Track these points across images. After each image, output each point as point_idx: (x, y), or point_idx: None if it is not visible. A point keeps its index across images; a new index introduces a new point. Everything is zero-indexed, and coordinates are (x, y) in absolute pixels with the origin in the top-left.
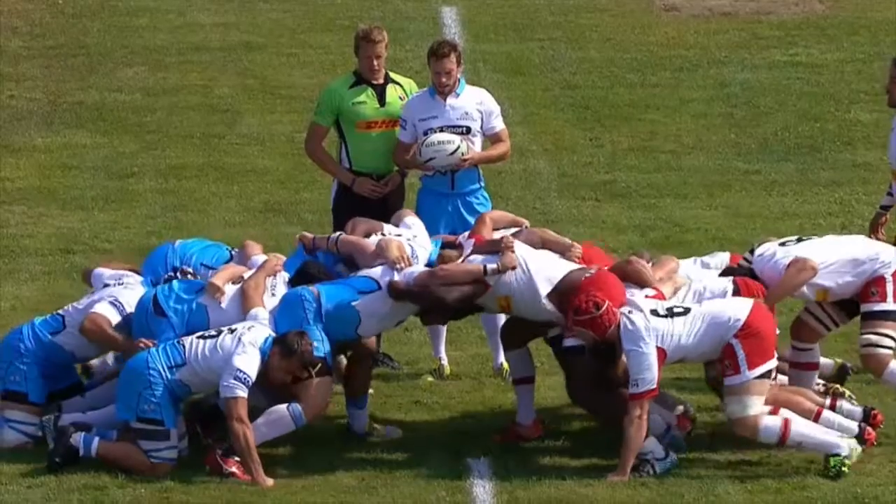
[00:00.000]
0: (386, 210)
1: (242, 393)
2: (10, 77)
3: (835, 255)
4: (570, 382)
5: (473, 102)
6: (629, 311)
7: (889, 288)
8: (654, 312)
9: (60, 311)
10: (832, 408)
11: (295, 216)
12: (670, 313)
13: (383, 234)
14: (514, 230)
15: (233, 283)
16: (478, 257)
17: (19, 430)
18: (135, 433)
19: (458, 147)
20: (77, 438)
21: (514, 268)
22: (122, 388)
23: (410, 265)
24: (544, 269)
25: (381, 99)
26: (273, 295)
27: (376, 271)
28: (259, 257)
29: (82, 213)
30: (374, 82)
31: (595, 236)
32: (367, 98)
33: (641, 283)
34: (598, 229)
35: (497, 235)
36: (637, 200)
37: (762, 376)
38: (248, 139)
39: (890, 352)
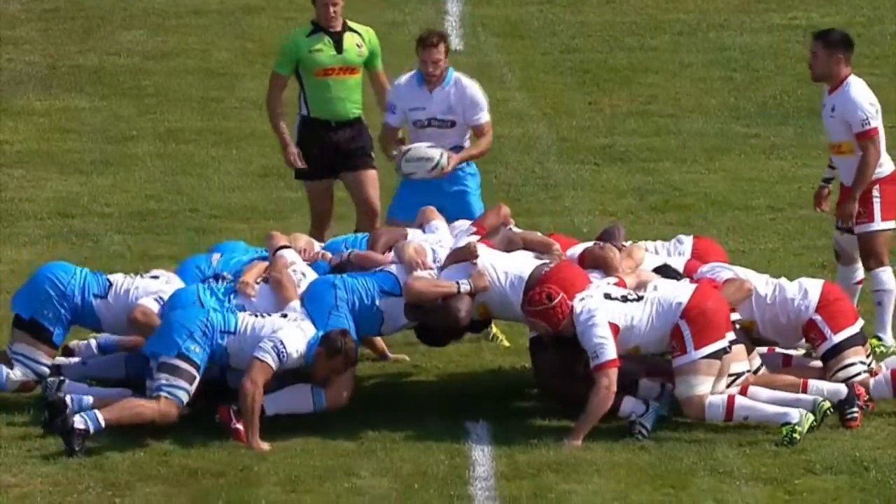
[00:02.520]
0: (344, 156)
1: (271, 361)
2: (9, 40)
3: (768, 290)
4: (536, 375)
5: (460, 96)
6: (581, 299)
7: (822, 327)
8: (608, 296)
9: (110, 277)
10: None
11: (293, 180)
12: (624, 299)
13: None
14: (508, 227)
15: (263, 279)
16: (450, 273)
17: (29, 366)
18: (161, 367)
19: (438, 163)
20: (80, 421)
21: (485, 289)
22: (172, 325)
23: (426, 268)
24: (511, 272)
25: (339, 46)
26: (298, 286)
27: (401, 272)
28: (286, 252)
29: (81, 177)
30: (332, 30)
31: (594, 200)
32: (325, 46)
33: (608, 271)
34: (598, 193)
35: (497, 234)
36: (636, 164)
37: (711, 356)
38: (246, 103)
39: (864, 375)
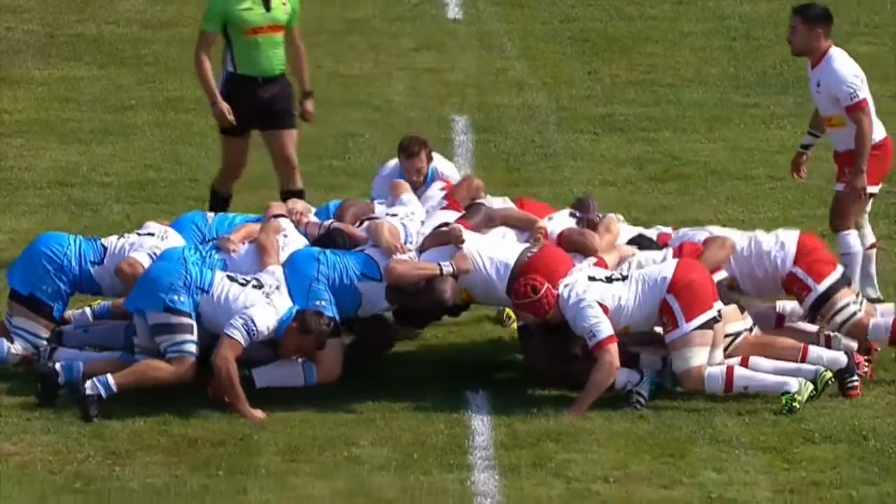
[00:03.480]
0: (271, 114)
1: (240, 338)
2: (7, 8)
3: (744, 244)
4: (527, 361)
5: (439, 189)
6: (566, 285)
7: (804, 279)
8: (592, 279)
9: (104, 241)
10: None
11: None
12: (608, 280)
13: (373, 217)
14: (483, 200)
15: (249, 241)
16: (431, 255)
17: (29, 340)
18: (155, 329)
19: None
20: (91, 386)
21: (467, 271)
22: (152, 279)
23: (405, 252)
24: (497, 259)
25: (267, 4)
26: (283, 249)
27: (381, 256)
28: (281, 220)
29: (80, 146)
30: None
31: (593, 170)
32: (253, 4)
33: (588, 253)
34: (597, 163)
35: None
36: (636, 134)
37: (702, 327)
38: None
39: (860, 314)
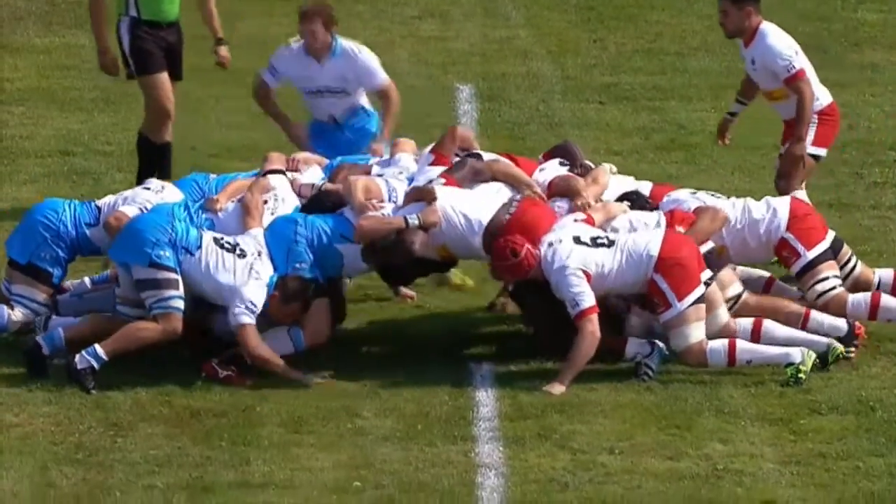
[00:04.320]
0: (172, 60)
1: (250, 320)
2: None
3: (737, 213)
4: (524, 322)
5: (350, 66)
6: (549, 244)
7: (795, 244)
8: (577, 240)
9: (99, 203)
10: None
11: (297, 118)
12: (594, 242)
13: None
14: (474, 152)
15: (238, 200)
16: (404, 210)
17: (29, 307)
18: (141, 285)
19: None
20: (82, 360)
21: (434, 224)
22: (137, 232)
23: (376, 209)
24: (472, 216)
25: None
26: (272, 214)
27: (354, 216)
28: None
29: (82, 115)
30: None
31: (598, 139)
32: None
33: (572, 196)
34: (602, 132)
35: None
36: (642, 103)
37: (696, 302)
38: (248, 40)
39: (839, 289)
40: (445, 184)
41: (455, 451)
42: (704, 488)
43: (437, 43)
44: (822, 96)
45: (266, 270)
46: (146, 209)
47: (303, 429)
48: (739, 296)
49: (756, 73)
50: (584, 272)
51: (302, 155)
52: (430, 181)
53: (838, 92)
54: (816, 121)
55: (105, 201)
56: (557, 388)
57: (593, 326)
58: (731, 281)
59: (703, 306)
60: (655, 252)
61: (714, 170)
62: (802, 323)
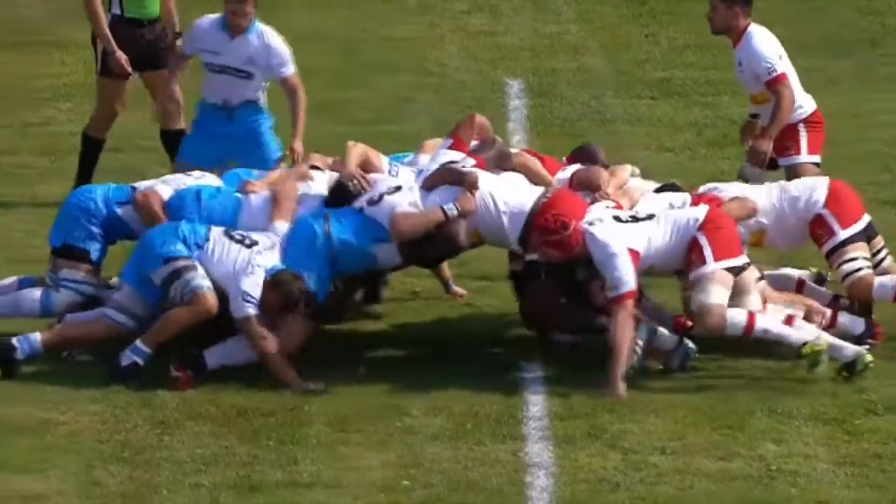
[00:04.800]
0: (154, 55)
1: (253, 311)
2: None
3: (773, 197)
4: (525, 307)
5: (263, 48)
6: (590, 224)
7: (831, 222)
8: (617, 219)
9: (134, 184)
10: (833, 321)
11: (345, 115)
12: (634, 219)
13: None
14: (493, 142)
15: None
16: (435, 197)
17: (74, 288)
18: (165, 283)
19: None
20: (126, 357)
21: (472, 211)
22: (145, 244)
23: (362, 182)
24: (512, 203)
25: None
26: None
27: (383, 215)
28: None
29: (130, 111)
30: None
31: (650, 135)
32: None
33: (593, 187)
34: (654, 128)
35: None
36: (694, 98)
37: (728, 270)
38: (298, 36)
39: (868, 271)
40: (475, 165)
41: (504, 450)
42: (757, 489)
43: (486, 38)
44: (805, 104)
45: (266, 262)
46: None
47: (350, 427)
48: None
49: (742, 76)
50: (633, 252)
51: (371, 154)
52: (454, 162)
53: (894, 87)
54: (805, 129)
55: (141, 183)
56: (617, 391)
57: (627, 312)
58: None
59: (732, 277)
60: (702, 215)
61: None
62: (830, 323)
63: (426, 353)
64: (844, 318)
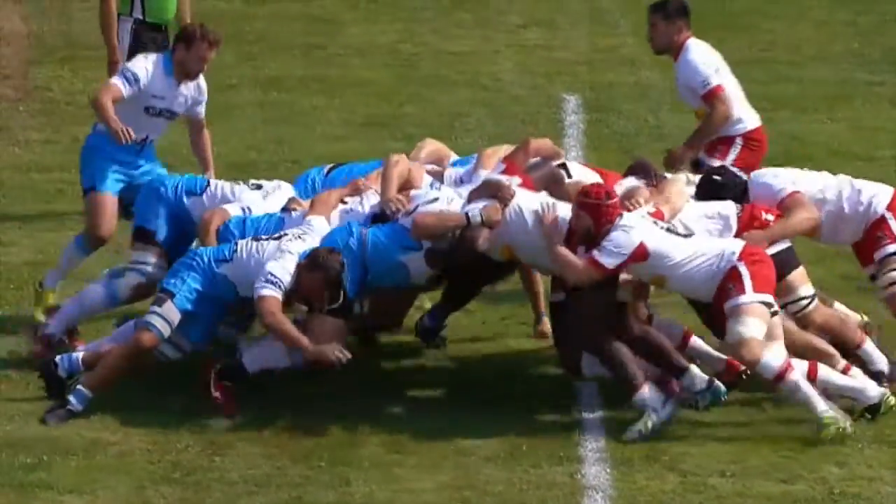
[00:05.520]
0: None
1: (271, 291)
2: None
3: (832, 190)
4: (560, 347)
5: (195, 90)
6: (621, 215)
7: (893, 225)
8: (653, 221)
9: (211, 181)
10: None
11: (398, 130)
12: (668, 230)
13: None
14: (556, 162)
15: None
16: (473, 206)
17: (138, 269)
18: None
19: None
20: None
21: (498, 222)
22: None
23: (400, 206)
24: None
25: None
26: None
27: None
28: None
29: (180, 127)
30: None
31: None
32: None
33: (629, 196)
34: None
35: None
36: None
37: (765, 304)
38: (350, 50)
39: None
40: (521, 184)
41: (561, 472)
42: None
43: (542, 52)
44: (747, 120)
45: (298, 247)
46: (248, 211)
47: (404, 449)
48: (811, 298)
49: (682, 91)
50: (642, 245)
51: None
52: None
53: None
54: (741, 144)
55: (216, 182)
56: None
57: (586, 266)
58: (804, 281)
59: (768, 312)
60: (739, 248)
61: None
62: (859, 344)
63: (481, 374)
64: (868, 346)
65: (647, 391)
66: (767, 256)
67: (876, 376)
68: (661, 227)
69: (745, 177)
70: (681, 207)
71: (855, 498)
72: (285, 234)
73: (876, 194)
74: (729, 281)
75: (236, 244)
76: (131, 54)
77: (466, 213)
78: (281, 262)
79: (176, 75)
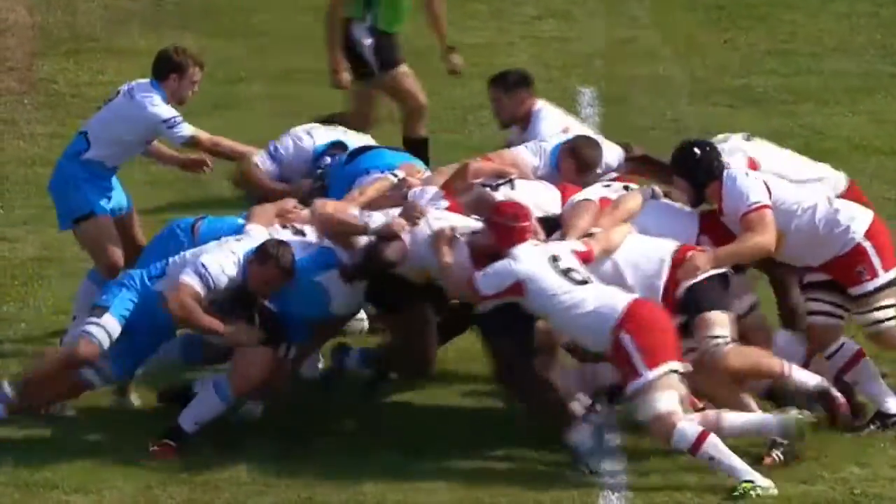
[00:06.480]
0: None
1: (191, 281)
2: None
3: (807, 201)
4: (497, 372)
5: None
6: (534, 244)
7: (874, 258)
8: (555, 260)
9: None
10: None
11: None
12: (566, 273)
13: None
14: (502, 181)
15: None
16: (377, 216)
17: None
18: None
19: None
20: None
21: (393, 235)
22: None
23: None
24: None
25: None
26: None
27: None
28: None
29: (189, 119)
30: None
31: None
32: None
33: (565, 228)
34: None
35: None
36: (774, 106)
37: (667, 374)
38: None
39: (894, 322)
40: (448, 207)
41: (575, 472)
42: None
43: (558, 44)
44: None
45: (242, 246)
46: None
47: (417, 451)
48: (724, 341)
49: None
50: (519, 284)
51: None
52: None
53: None
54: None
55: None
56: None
57: (466, 284)
58: (723, 324)
59: (675, 377)
60: (622, 305)
61: (852, 176)
62: (781, 377)
63: (503, 438)
64: (796, 374)
65: (577, 431)
66: (658, 312)
67: (812, 396)
68: (558, 269)
69: (723, 165)
70: (616, 246)
71: (877, 498)
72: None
73: (854, 218)
74: (620, 359)
75: (168, 260)
76: (376, 50)
77: (366, 222)
78: (216, 257)
79: (169, 103)
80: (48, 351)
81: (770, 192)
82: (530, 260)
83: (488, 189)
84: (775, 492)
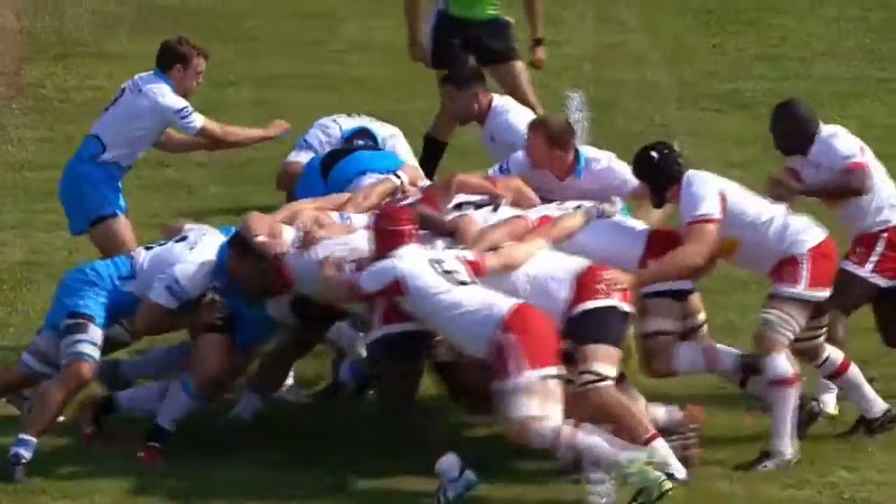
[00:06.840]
0: (486, 53)
1: (164, 302)
2: None
3: (765, 215)
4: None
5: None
6: (418, 247)
7: (803, 269)
8: (436, 262)
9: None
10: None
11: (402, 126)
12: (447, 273)
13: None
14: (480, 197)
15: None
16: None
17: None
18: (63, 332)
19: None
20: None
21: (268, 252)
22: (64, 288)
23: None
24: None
25: None
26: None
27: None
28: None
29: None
30: None
31: (717, 149)
32: None
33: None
34: (721, 142)
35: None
36: (762, 111)
37: (545, 378)
38: (349, 46)
39: (787, 339)
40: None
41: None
42: None
43: (547, 48)
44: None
45: (210, 246)
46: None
47: (408, 454)
48: (599, 378)
49: (492, 149)
50: (395, 284)
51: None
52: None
53: None
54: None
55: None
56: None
57: (347, 285)
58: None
59: (551, 387)
60: (506, 309)
61: None
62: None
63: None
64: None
65: (445, 460)
66: (542, 318)
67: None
68: (439, 269)
69: (683, 168)
70: (519, 261)
71: (865, 502)
72: (187, 237)
73: (803, 231)
74: (500, 360)
75: (132, 258)
76: (434, 45)
77: (256, 236)
78: (188, 268)
79: (178, 92)
80: (46, 391)
81: (727, 202)
82: (411, 258)
83: (472, 209)
84: (674, 460)
